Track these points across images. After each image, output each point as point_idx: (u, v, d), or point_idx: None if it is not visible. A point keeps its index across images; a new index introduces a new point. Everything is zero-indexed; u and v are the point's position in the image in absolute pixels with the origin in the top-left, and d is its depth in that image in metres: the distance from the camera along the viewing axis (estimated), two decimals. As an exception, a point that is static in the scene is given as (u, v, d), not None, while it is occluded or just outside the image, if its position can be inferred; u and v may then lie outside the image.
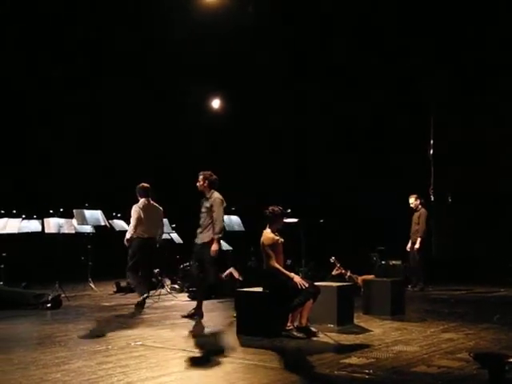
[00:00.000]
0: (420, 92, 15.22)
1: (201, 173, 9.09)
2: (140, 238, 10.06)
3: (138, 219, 9.99)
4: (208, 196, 8.96)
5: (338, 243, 14.20)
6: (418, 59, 14.74)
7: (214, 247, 8.72)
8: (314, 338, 7.12)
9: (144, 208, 10.11)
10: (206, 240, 8.80)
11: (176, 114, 17.18)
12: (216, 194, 8.96)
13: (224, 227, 9.05)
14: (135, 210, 10.07)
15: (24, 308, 9.64)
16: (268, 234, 7.48)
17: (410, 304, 9.88)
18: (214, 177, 9.07)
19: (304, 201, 14.71)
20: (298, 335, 7.12)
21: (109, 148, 17.04)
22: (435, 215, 14.45)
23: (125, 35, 15.74)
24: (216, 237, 8.76)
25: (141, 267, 10.17)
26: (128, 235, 10.00)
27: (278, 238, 7.51)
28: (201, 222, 8.97)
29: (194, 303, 10.69)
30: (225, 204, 8.97)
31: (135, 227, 9.98)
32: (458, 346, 6.64)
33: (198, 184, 9.05)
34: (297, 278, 7.21)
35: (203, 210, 8.96)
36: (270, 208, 7.58)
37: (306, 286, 7.16)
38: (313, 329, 7.31)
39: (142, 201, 10.22)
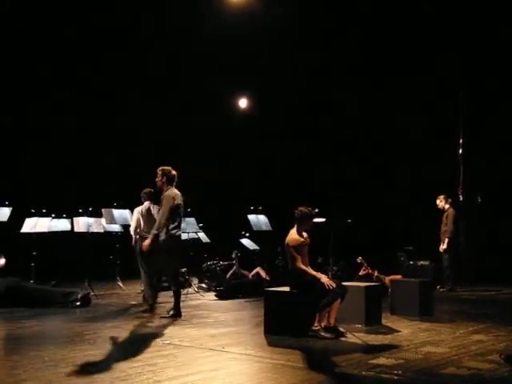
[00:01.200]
0: (450, 89, 15.07)
1: (159, 168, 8.81)
2: (144, 238, 10.22)
3: (137, 221, 10.47)
4: (163, 192, 8.73)
5: (365, 243, 14.10)
6: (448, 57, 14.63)
7: (146, 242, 8.49)
8: (342, 338, 7.10)
9: (145, 210, 10.55)
10: (162, 237, 8.59)
11: (205, 113, 17.22)
12: (169, 192, 8.66)
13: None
14: (134, 213, 10.66)
15: (54, 306, 9.74)
16: (293, 235, 7.45)
17: (439, 305, 9.79)
18: (173, 173, 8.77)
19: (334, 200, 14.68)
20: (326, 335, 7.09)
21: (136, 149, 17.15)
22: (465, 215, 14.30)
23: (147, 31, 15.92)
24: (153, 232, 8.49)
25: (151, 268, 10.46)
26: (133, 237, 10.49)
27: (303, 239, 7.47)
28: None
29: (221, 302, 10.75)
30: (177, 201, 8.65)
31: (135, 228, 10.45)
32: (489, 347, 6.57)
33: (156, 180, 8.80)
34: (324, 279, 7.18)
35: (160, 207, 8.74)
36: (299, 209, 7.55)
37: (334, 286, 7.13)
38: (341, 329, 7.28)
39: (145, 204, 10.67)
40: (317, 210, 9.89)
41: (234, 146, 17.53)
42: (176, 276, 8.98)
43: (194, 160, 17.48)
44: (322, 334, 7.11)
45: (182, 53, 16.37)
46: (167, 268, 8.81)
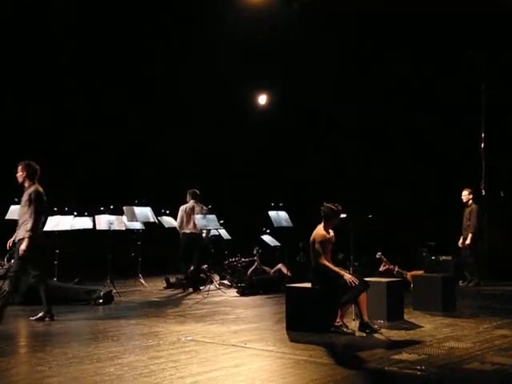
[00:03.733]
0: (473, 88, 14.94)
1: (21, 162, 8.26)
2: (184, 233, 12.04)
3: (181, 218, 12.03)
4: (26, 188, 8.19)
5: (387, 238, 14.05)
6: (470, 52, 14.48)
7: (22, 246, 7.89)
8: (364, 334, 7.08)
9: (189, 209, 11.99)
10: (20, 237, 8.01)
11: (225, 111, 17.24)
12: (34, 187, 8.13)
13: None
14: (179, 211, 12.11)
15: (76, 304, 9.82)
16: (320, 230, 7.43)
17: (462, 300, 9.73)
18: (35, 167, 8.25)
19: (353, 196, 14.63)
20: (347, 331, 7.09)
21: (158, 147, 17.25)
22: (487, 210, 14.19)
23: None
24: (27, 235, 7.88)
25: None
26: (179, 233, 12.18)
27: (330, 236, 7.45)
28: (19, 218, 8.27)
29: (242, 299, 10.78)
30: (44, 198, 8.17)
31: (179, 225, 12.06)
32: (513, 342, 6.53)
33: (17, 175, 8.23)
34: (347, 276, 7.15)
35: (22, 204, 8.22)
36: (325, 205, 7.52)
37: (356, 283, 7.10)
38: (375, 326, 7.27)
39: (190, 202, 12.07)
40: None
41: (253, 142, 17.50)
42: (13, 276, 8.21)
43: (214, 158, 17.56)
44: (344, 330, 7.11)
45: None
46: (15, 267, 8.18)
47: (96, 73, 16.11)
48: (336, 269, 7.29)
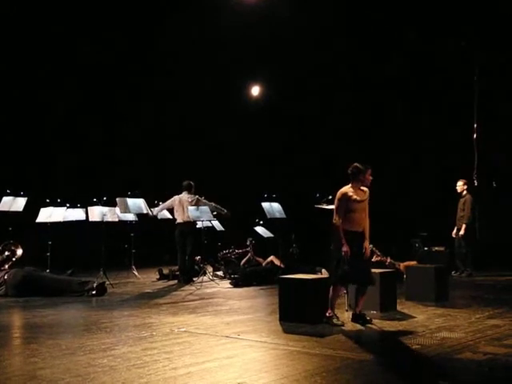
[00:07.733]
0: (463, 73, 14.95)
1: None
2: (177, 224, 12.04)
3: (167, 205, 12.25)
4: None
5: (380, 230, 14.05)
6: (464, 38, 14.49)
7: None
8: (357, 325, 7.10)
9: (178, 199, 12.03)
10: None
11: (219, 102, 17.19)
12: None
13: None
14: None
15: (70, 295, 9.81)
16: (344, 188, 7.29)
17: (455, 290, 9.77)
18: None
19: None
20: (337, 323, 7.08)
21: (149, 139, 17.21)
22: (480, 200, 14.24)
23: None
24: None
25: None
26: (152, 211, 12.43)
27: (353, 195, 7.20)
28: None
29: (235, 290, 10.79)
30: None
31: (159, 208, 12.32)
32: (505, 332, 6.55)
33: None
34: (344, 248, 7.05)
35: None
36: (353, 165, 7.37)
37: (348, 257, 7.02)
38: (367, 317, 7.28)
39: (182, 194, 12.05)
40: (330, 197, 9.86)
41: (248, 132, 17.45)
42: None
43: (208, 150, 17.52)
44: (334, 321, 7.10)
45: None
46: None
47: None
48: (341, 235, 7.13)
